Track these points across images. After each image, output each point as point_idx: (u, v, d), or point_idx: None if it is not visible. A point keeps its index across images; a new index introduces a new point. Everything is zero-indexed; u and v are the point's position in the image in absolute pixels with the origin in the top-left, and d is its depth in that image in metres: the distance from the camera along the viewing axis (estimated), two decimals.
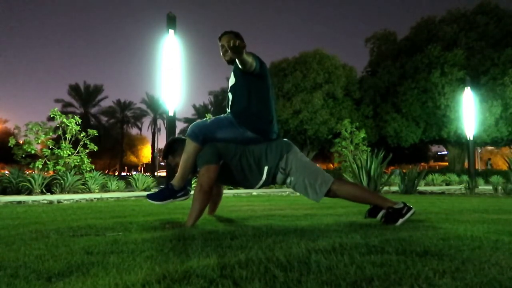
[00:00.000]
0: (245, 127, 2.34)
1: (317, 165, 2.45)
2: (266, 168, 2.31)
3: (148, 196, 2.44)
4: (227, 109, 2.50)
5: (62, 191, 7.27)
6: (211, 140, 2.34)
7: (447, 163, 32.53)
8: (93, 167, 8.91)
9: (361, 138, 13.25)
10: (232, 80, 2.45)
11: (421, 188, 9.19)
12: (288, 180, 2.34)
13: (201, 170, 2.26)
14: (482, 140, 24.62)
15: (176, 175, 2.42)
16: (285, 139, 2.46)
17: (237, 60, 2.12)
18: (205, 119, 2.45)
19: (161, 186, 2.51)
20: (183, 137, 2.51)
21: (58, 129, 8.66)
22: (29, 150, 8.17)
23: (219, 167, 2.28)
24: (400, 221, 2.15)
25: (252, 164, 2.31)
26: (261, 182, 2.36)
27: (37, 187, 7.01)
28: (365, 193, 2.32)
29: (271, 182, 2.39)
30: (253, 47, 2.57)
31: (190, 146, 2.32)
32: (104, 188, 8.30)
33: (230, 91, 2.47)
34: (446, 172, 18.34)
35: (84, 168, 8.57)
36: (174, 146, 2.53)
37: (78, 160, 8.53)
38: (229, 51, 1.97)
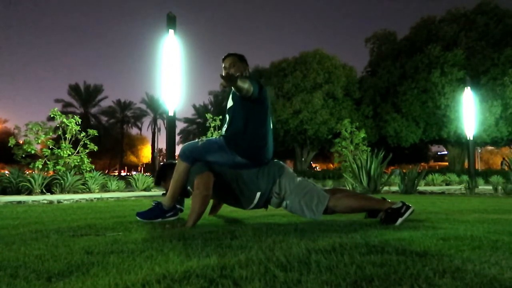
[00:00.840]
0: (236, 152, 2.31)
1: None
2: (258, 194, 2.30)
3: (138, 215, 2.48)
4: (223, 128, 2.48)
5: (62, 191, 7.27)
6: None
7: (447, 163, 32.55)
8: (93, 167, 8.91)
9: (361, 138, 13.24)
10: (230, 103, 2.43)
11: (421, 188, 9.19)
12: (284, 204, 2.34)
13: (196, 180, 2.23)
14: (482, 140, 24.65)
15: (166, 195, 2.43)
16: (276, 160, 2.44)
17: (232, 88, 2.10)
18: (196, 140, 2.44)
19: (153, 203, 2.53)
20: (173, 161, 2.53)
21: (58, 129, 8.65)
22: (29, 150, 8.16)
23: (213, 174, 2.27)
24: (400, 220, 2.15)
25: (243, 188, 2.31)
26: (252, 206, 2.35)
27: (37, 187, 7.01)
28: (362, 202, 2.31)
29: (263, 205, 2.38)
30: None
31: (180, 167, 2.33)
32: (104, 188, 8.30)
33: (227, 112, 2.45)
34: (446, 172, 18.34)
35: (84, 168, 8.57)
36: (165, 171, 2.56)
37: (78, 160, 8.53)
38: (222, 80, 1.96)
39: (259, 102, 2.33)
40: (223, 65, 2.50)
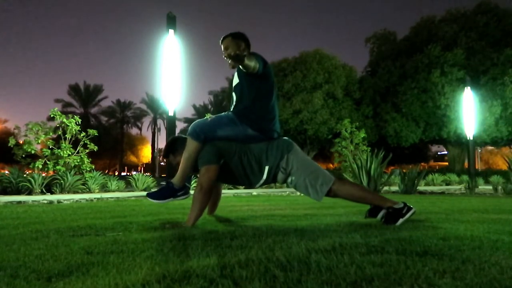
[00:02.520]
0: (247, 125, 2.35)
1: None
2: (267, 167, 2.32)
3: (148, 195, 2.42)
4: (231, 107, 2.50)
5: (62, 191, 7.27)
6: (212, 139, 2.34)
7: (447, 163, 32.54)
8: (93, 167, 8.91)
9: (361, 138, 13.24)
10: (235, 80, 2.47)
11: (421, 188, 9.19)
12: (289, 180, 2.35)
13: (202, 170, 2.26)
14: (482, 140, 24.62)
15: (176, 173, 2.41)
16: (286, 137, 2.47)
17: (240, 66, 2.14)
18: (205, 117, 2.46)
19: (162, 183, 2.49)
20: (183, 136, 2.52)
21: (58, 129, 8.66)
22: (29, 150, 8.16)
23: (219, 167, 2.29)
24: (400, 221, 2.15)
25: (252, 163, 2.32)
26: (261, 181, 2.37)
27: (37, 187, 7.01)
28: (365, 193, 2.33)
29: (271, 181, 2.40)
30: (253, 47, 2.56)
31: (191, 145, 2.32)
32: (104, 188, 8.30)
33: (234, 90, 2.49)
34: (446, 172, 18.34)
35: (84, 168, 8.57)
36: (175, 145, 2.52)
37: (78, 160, 8.53)
38: (230, 60, 1.99)
39: (264, 77, 2.37)
40: (222, 46, 2.51)
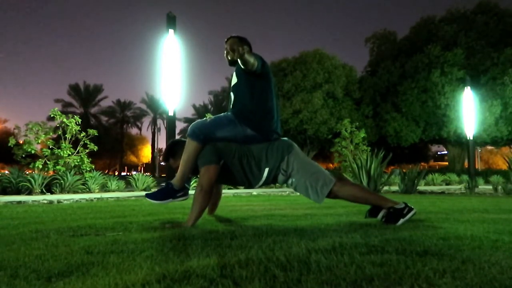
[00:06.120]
0: (246, 125, 2.34)
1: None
2: (266, 169, 2.31)
3: (147, 196, 2.42)
4: (229, 108, 2.51)
5: (62, 191, 7.27)
6: (211, 140, 2.34)
7: (447, 163, 32.54)
8: (93, 167, 8.91)
9: (361, 137, 13.24)
10: (234, 80, 2.47)
11: (421, 187, 9.19)
12: (289, 181, 2.35)
13: (202, 171, 2.26)
14: (482, 140, 24.62)
15: (176, 175, 2.41)
16: (285, 138, 2.46)
17: (239, 61, 2.15)
18: (205, 118, 2.46)
19: (162, 184, 2.49)
20: (183, 139, 2.52)
21: (58, 129, 8.66)
22: (29, 150, 8.17)
23: (220, 167, 2.29)
24: (401, 221, 2.15)
25: (252, 165, 2.32)
26: (260, 183, 2.37)
27: (37, 187, 7.01)
28: (366, 194, 2.32)
29: (271, 182, 2.40)
30: (253, 47, 2.61)
31: (190, 146, 2.32)
32: (104, 188, 8.30)
33: (232, 90, 2.49)
34: (446, 171, 18.33)
35: (84, 168, 8.57)
36: (174, 148, 2.52)
37: (78, 160, 8.53)
38: (231, 53, 2.02)
39: (263, 76, 2.38)
40: (225, 46, 2.56)
